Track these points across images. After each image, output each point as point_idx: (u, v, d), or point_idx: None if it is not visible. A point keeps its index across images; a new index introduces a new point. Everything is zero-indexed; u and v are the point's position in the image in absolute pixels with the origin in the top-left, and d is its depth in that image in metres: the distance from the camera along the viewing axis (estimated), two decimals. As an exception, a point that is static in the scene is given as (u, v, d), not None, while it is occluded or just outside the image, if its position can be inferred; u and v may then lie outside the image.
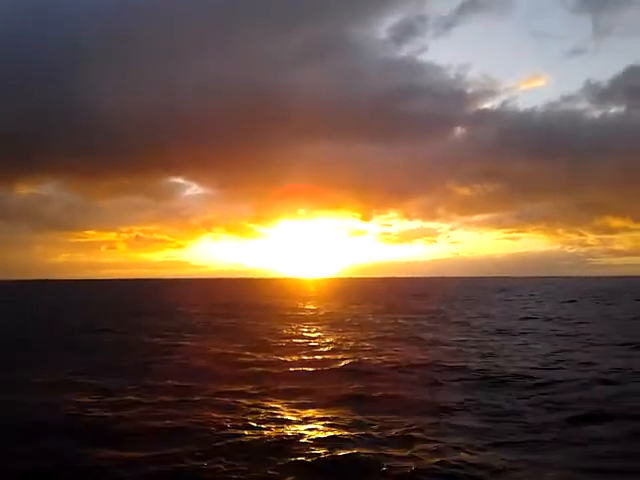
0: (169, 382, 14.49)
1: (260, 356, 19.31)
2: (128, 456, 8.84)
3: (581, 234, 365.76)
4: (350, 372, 16.04)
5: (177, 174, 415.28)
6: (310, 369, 16.76)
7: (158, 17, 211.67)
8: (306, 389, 13.76)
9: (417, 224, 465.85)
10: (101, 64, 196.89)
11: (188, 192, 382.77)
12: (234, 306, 51.77)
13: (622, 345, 21.48)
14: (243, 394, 13.18)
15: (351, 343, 22.78)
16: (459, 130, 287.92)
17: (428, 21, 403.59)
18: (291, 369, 16.82)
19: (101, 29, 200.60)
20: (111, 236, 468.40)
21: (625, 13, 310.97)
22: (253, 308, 48.80)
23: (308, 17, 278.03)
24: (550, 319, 34.28)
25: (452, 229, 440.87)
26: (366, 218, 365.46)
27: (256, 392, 13.47)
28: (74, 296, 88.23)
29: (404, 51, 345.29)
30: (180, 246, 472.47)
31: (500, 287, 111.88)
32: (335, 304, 55.13)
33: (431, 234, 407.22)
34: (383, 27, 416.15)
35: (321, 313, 42.23)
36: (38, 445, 9.46)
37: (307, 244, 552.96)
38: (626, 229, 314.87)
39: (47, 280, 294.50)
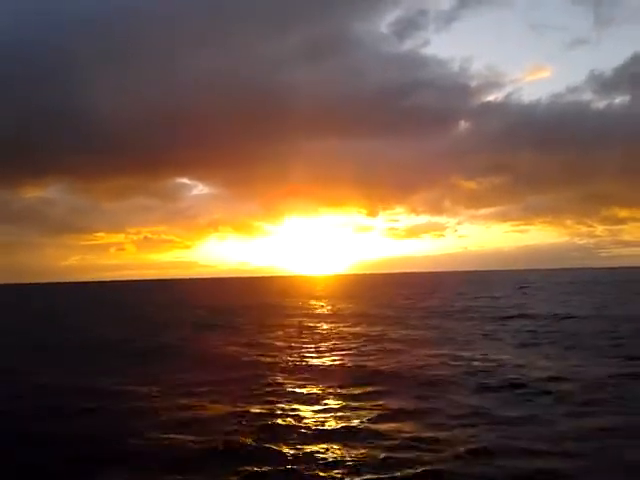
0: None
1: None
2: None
3: (590, 225, 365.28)
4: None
5: (182, 174, 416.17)
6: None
7: (158, 18, 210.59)
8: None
9: (424, 219, 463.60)
10: (101, 65, 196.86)
11: (194, 192, 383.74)
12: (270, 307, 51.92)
13: None
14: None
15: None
16: (463, 123, 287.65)
17: (429, 15, 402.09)
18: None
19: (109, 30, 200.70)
20: (120, 238, 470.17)
21: (626, 1, 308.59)
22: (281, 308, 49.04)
23: (310, 14, 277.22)
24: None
25: (459, 223, 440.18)
26: (372, 214, 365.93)
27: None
28: (100, 298, 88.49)
29: (406, 45, 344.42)
30: (187, 246, 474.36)
31: (524, 280, 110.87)
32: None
33: (438, 228, 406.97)
34: (384, 22, 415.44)
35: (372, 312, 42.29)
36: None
37: (314, 241, 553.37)
38: (634, 219, 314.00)
39: (58, 283, 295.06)
